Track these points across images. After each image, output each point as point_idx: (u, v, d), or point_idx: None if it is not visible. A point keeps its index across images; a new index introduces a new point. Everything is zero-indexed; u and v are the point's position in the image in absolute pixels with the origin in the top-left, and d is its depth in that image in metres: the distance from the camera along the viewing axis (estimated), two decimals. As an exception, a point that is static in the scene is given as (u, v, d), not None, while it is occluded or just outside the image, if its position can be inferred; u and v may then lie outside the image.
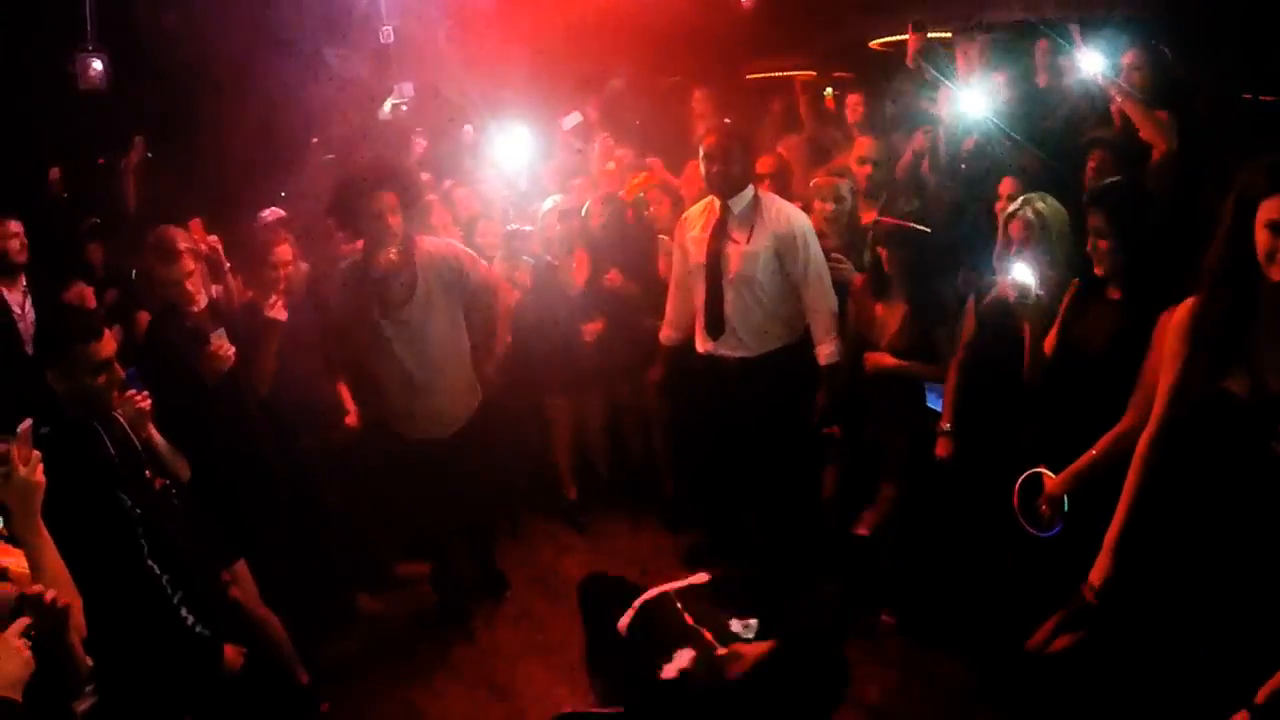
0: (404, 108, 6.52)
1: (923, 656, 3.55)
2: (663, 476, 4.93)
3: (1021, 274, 2.82)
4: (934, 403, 3.61)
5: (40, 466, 2.13)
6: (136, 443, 2.82)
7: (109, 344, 2.66)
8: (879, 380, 3.69)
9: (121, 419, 2.79)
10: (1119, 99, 3.88)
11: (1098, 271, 2.76)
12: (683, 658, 2.49)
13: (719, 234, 3.93)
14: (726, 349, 3.99)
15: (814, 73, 7.46)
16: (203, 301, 3.51)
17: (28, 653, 1.87)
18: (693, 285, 4.07)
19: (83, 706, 2.23)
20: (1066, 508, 2.80)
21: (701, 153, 3.89)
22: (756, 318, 3.93)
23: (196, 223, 3.88)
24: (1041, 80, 4.73)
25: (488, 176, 5.67)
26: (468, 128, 6.52)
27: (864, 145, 4.49)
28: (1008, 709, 3.18)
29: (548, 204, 4.77)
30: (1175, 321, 2.27)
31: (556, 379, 4.75)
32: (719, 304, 3.95)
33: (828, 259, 3.92)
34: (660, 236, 4.74)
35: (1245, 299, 2.09)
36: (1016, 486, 2.94)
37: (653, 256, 4.74)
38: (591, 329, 4.64)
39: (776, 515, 4.09)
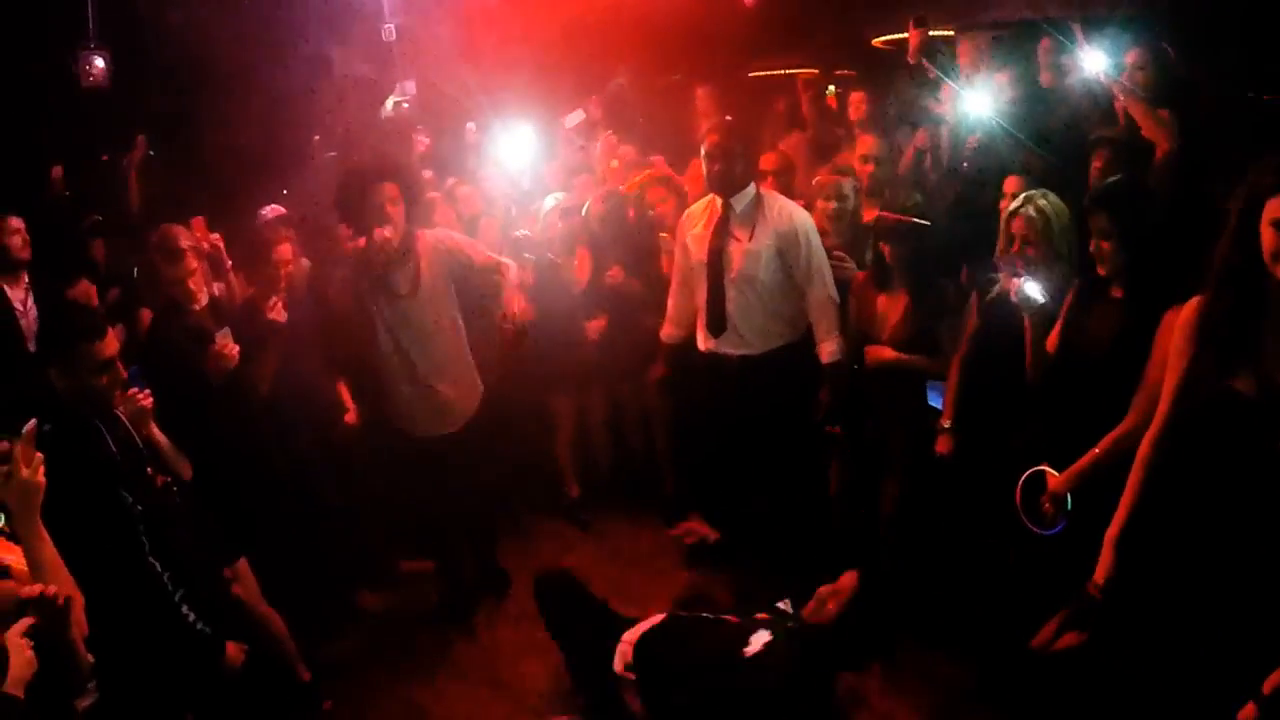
0: (406, 106, 6.52)
1: (923, 656, 3.54)
2: (664, 474, 4.92)
3: (1031, 289, 2.83)
4: (935, 400, 3.61)
5: (42, 468, 2.14)
6: (138, 441, 2.83)
7: (112, 343, 2.68)
8: (880, 376, 3.68)
9: (124, 417, 2.80)
10: (1122, 97, 3.88)
11: (1101, 271, 2.75)
12: (758, 640, 2.57)
13: (721, 232, 3.92)
14: (728, 347, 3.98)
15: (816, 71, 7.46)
16: (205, 300, 3.52)
17: (30, 651, 1.88)
18: (694, 283, 4.07)
19: (84, 704, 2.24)
20: (1069, 506, 2.80)
21: (703, 151, 3.89)
22: (758, 316, 3.93)
23: (199, 221, 3.90)
24: (1044, 79, 4.73)
25: (491, 174, 5.66)
26: (470, 126, 6.50)
27: (866, 143, 4.47)
28: (1008, 709, 3.18)
29: (549, 202, 4.77)
30: (1181, 320, 2.26)
31: (558, 376, 4.75)
32: (721, 302, 3.95)
33: (830, 257, 3.92)
34: (662, 235, 4.74)
35: (1252, 297, 2.08)
36: (1019, 484, 2.94)
37: (655, 254, 4.73)
38: (593, 326, 4.64)
39: (781, 512, 4.08)
